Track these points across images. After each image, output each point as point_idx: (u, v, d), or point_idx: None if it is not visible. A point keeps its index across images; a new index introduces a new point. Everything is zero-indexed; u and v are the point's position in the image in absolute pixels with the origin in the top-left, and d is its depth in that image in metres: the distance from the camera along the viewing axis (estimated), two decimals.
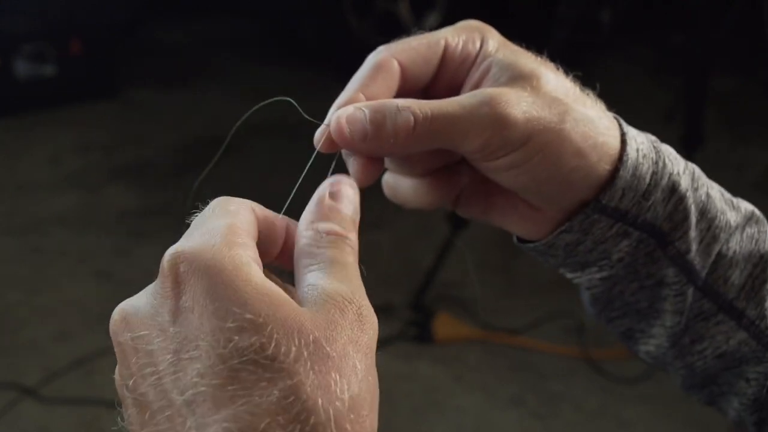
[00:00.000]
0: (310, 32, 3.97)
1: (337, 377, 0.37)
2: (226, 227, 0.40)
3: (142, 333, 0.38)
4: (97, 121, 3.49)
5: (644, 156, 0.52)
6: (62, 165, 3.15)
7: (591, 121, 0.50)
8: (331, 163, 0.50)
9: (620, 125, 0.52)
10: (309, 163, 0.49)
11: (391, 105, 0.47)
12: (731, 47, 2.97)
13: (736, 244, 0.55)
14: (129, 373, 0.39)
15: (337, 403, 0.36)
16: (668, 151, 0.54)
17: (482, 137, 0.47)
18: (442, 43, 0.51)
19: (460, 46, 0.51)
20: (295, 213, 0.46)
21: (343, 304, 0.39)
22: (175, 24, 4.41)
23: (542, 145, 0.48)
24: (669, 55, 3.84)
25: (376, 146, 0.47)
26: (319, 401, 0.36)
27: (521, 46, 0.54)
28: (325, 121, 0.48)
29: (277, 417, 0.35)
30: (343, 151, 0.50)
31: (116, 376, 0.40)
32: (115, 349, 0.40)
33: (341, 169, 0.50)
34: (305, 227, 0.44)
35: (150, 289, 0.40)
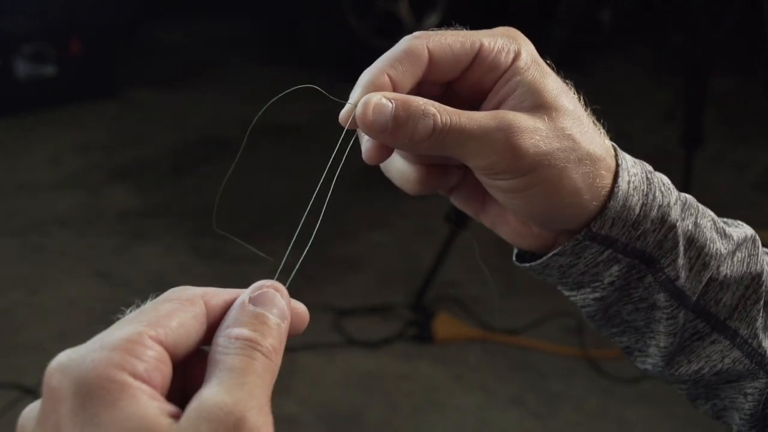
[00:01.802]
0: (310, 32, 3.97)
1: None
2: (124, 338, 0.38)
3: None
4: (97, 121, 3.49)
5: (635, 188, 0.54)
6: (62, 165, 3.15)
7: (593, 162, 0.52)
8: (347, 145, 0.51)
9: (616, 156, 0.54)
10: (338, 143, 0.50)
11: (417, 107, 0.48)
12: (731, 47, 2.98)
13: (727, 269, 0.57)
14: None
15: None
16: (661, 182, 0.56)
17: (490, 159, 0.50)
18: (477, 47, 0.51)
19: (493, 54, 0.51)
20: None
21: (217, 418, 0.36)
22: (175, 24, 4.41)
23: (543, 179, 0.50)
24: (669, 55, 3.84)
25: (391, 140, 0.49)
26: None
27: None
28: (350, 100, 0.50)
29: None
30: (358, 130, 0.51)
31: None
32: None
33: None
34: (219, 334, 0.40)
35: None
